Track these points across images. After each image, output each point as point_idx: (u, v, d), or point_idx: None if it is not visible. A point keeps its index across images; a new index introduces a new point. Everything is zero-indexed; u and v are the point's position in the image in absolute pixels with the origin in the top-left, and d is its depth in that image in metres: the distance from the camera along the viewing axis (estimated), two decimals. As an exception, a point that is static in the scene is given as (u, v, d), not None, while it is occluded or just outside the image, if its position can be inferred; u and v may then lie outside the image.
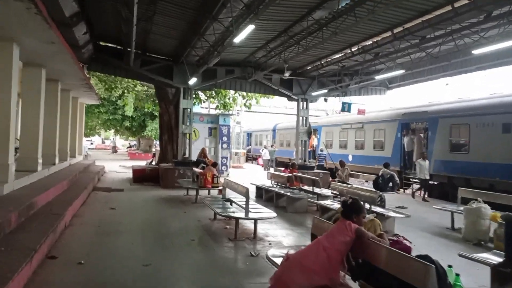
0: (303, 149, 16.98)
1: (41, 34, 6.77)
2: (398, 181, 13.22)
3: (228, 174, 19.82)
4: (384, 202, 8.47)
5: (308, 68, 15.55)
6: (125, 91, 19.57)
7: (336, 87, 16.28)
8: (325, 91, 15.85)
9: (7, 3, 5.17)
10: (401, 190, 15.52)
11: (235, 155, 29.28)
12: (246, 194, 6.90)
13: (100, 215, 8.62)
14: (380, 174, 12.38)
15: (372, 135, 19.19)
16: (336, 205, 8.40)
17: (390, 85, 17.57)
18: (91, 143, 61.45)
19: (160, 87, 16.51)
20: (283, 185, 11.85)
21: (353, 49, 12.55)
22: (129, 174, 19.13)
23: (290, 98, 17.25)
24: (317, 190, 10.47)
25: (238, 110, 34.31)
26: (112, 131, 50.15)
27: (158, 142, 45.03)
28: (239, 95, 21.31)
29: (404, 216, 7.88)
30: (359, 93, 17.98)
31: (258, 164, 30.52)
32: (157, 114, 32.11)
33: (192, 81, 14.47)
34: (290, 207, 9.92)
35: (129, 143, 63.07)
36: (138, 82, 19.62)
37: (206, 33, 10.67)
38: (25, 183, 8.24)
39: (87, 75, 15.86)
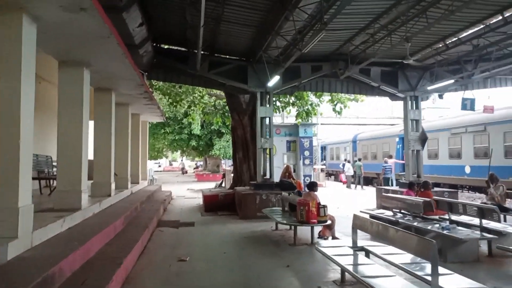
0: (415, 161, 13.04)
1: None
2: None
3: (313, 196, 16.43)
4: None
5: (420, 55, 11.71)
6: (192, 104, 17.17)
7: (457, 78, 12.26)
8: (450, 82, 11.82)
9: None
10: None
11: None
12: (432, 256, 3.47)
13: (164, 278, 5.63)
14: None
15: (502, 139, 14.80)
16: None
17: (529, 72, 13.13)
18: (159, 166, 61.34)
19: (232, 94, 13.71)
20: (415, 214, 8.24)
21: (506, 15, 8.68)
22: (199, 199, 16.54)
23: (393, 97, 13.51)
24: (486, 223, 6.70)
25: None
26: (179, 152, 49.16)
27: (225, 162, 42.99)
28: (319, 100, 17.91)
29: None
30: (483, 85, 13.75)
31: (341, 181, 26.61)
32: (224, 132, 29.85)
33: (273, 82, 11.41)
34: (451, 254, 6.23)
35: (196, 164, 62.16)
36: (206, 92, 17.10)
37: (299, 5, 7.56)
38: (55, 232, 5.54)
39: (149, 88, 13.54)
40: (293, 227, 7.98)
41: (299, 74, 12.46)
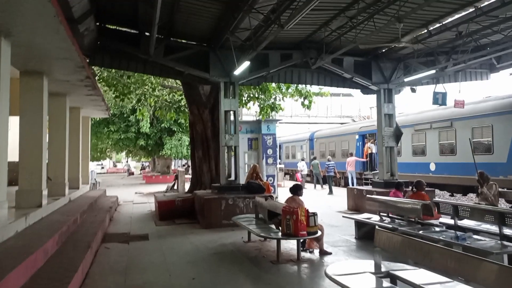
0: (389, 160, 12.20)
1: None
2: None
3: (277, 197, 15.19)
4: None
5: (395, 45, 10.77)
6: (142, 98, 15.11)
7: (435, 69, 11.45)
8: (429, 72, 10.92)
9: None
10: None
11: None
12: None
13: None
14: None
15: (469, 135, 14.44)
16: None
17: (499, 65, 12.72)
18: (102, 167, 57.51)
19: (190, 85, 12.06)
20: (410, 219, 7.23)
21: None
22: (150, 204, 14.74)
23: (365, 90, 12.55)
24: (507, 231, 5.75)
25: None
26: (124, 152, 46.00)
27: (175, 162, 40.55)
28: (282, 95, 16.68)
29: None
30: (454, 79, 13.24)
31: (297, 180, 25.73)
32: (176, 130, 27.84)
33: (240, 69, 9.95)
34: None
35: (142, 164, 59.02)
36: (158, 84, 15.16)
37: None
38: None
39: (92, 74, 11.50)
40: (272, 240, 6.60)
41: (267, 63, 11.11)
